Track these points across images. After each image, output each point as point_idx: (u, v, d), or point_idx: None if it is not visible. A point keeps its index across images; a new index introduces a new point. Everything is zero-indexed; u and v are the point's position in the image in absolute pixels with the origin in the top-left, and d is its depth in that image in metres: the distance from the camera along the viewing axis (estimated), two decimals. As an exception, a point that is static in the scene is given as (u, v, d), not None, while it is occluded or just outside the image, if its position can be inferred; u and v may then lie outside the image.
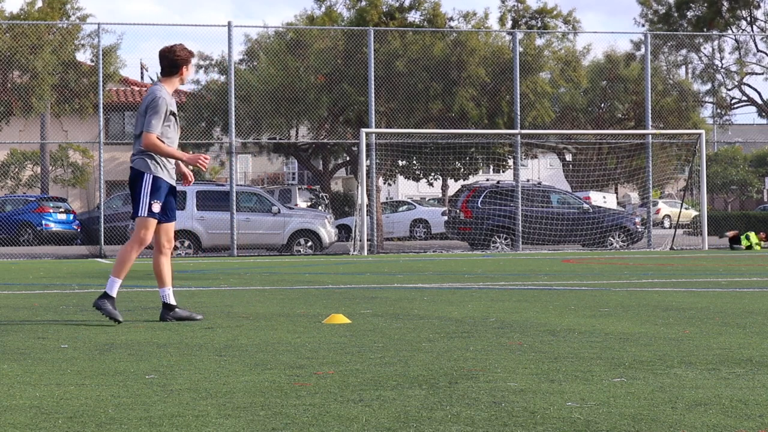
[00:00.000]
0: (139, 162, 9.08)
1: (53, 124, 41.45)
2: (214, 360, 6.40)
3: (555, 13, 37.32)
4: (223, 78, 37.66)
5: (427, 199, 50.63)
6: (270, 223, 28.76)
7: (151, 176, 9.02)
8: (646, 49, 32.66)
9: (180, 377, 5.68)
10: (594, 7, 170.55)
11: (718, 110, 44.79)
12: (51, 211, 36.26)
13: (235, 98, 29.50)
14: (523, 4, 37.43)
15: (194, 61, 9.18)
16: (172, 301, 9.07)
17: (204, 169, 9.47)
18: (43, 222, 35.90)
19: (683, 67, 43.84)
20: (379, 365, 6.08)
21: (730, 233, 30.50)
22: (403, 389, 5.21)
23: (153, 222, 9.04)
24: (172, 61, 9.10)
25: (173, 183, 9.20)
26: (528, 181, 32.73)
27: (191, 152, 46.70)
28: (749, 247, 29.44)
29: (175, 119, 9.12)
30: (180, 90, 50.49)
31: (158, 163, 9.05)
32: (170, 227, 9.26)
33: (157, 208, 9.02)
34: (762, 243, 30.14)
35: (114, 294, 8.83)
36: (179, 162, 9.32)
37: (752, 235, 30.02)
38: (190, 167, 9.56)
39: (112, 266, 9.01)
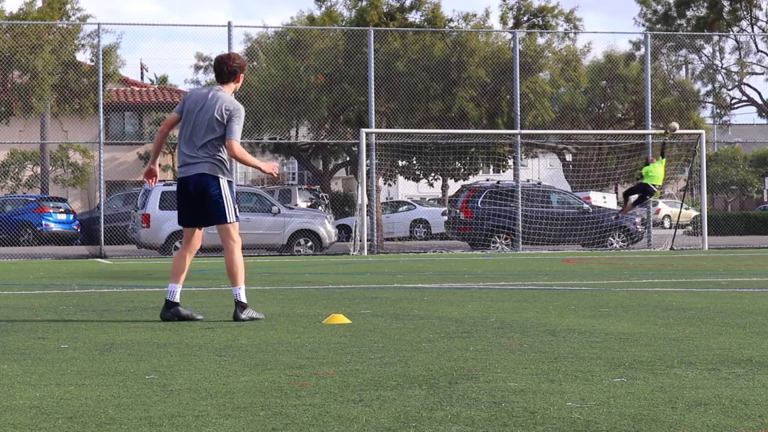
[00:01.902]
0: (212, 167, 9.15)
1: (53, 124, 41.44)
2: (214, 360, 6.40)
3: (556, 11, 37.29)
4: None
5: (427, 199, 50.64)
6: (270, 223, 28.76)
7: (227, 181, 9.23)
8: (646, 49, 32.66)
9: (180, 377, 5.68)
10: (594, 7, 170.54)
11: (718, 110, 44.79)
12: (51, 211, 36.27)
13: (235, 98, 29.49)
14: (525, 2, 37.40)
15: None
16: (177, 300, 9.10)
17: (277, 178, 9.69)
18: (43, 222, 35.91)
19: (683, 67, 43.85)
20: (379, 365, 6.08)
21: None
22: (403, 389, 5.21)
23: (238, 224, 9.36)
24: (232, 68, 9.33)
25: None
26: (528, 181, 32.73)
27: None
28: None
29: None
30: (180, 90, 50.54)
31: (227, 168, 9.25)
32: (201, 232, 9.41)
33: (238, 211, 9.33)
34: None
35: (245, 299, 9.07)
36: None
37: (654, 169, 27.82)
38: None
39: (229, 279, 9.16)
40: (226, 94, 9.31)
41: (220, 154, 9.15)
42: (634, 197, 27.36)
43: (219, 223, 9.22)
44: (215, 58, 9.42)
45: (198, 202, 9.19)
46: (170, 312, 9.02)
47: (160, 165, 9.94)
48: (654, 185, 26.71)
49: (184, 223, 9.34)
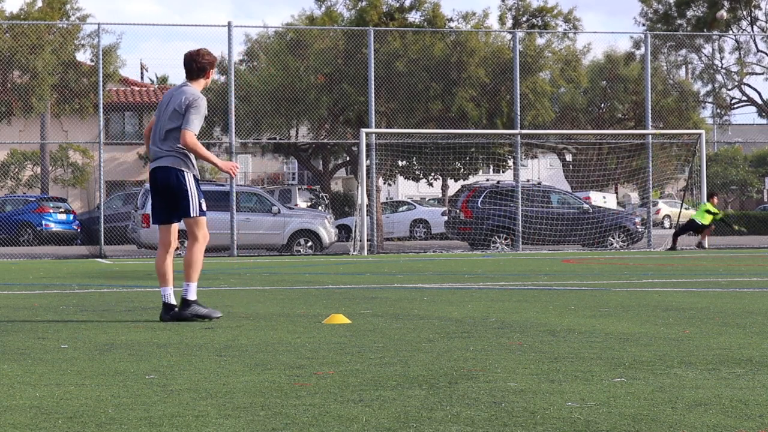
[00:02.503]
0: (174, 160, 9.08)
1: (53, 124, 41.44)
2: (214, 360, 6.40)
3: (555, 12, 37.30)
4: (223, 78, 37.65)
5: (427, 199, 50.63)
6: (270, 223, 28.76)
7: (192, 175, 9.12)
8: (646, 49, 32.66)
9: (180, 377, 5.68)
10: (594, 7, 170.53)
11: (718, 110, 44.79)
12: (51, 211, 36.27)
13: (235, 98, 29.51)
14: (524, 2, 37.41)
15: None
16: (173, 301, 9.08)
17: (234, 176, 9.54)
18: (43, 222, 35.91)
19: (683, 67, 43.86)
20: (379, 365, 6.08)
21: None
22: (403, 389, 5.21)
23: (205, 219, 9.21)
24: (201, 65, 9.24)
25: None
26: (528, 181, 32.73)
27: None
28: (714, 221, 29.16)
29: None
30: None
31: (192, 162, 9.14)
32: (176, 228, 9.34)
33: (204, 205, 9.19)
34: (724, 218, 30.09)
35: (195, 297, 9.00)
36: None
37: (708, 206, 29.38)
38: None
39: (184, 273, 9.08)
40: (191, 87, 9.20)
41: (182, 147, 9.04)
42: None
43: (184, 217, 9.17)
44: (185, 55, 9.32)
45: (166, 196, 9.13)
46: (169, 315, 9.02)
47: None
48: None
49: (158, 221, 9.26)
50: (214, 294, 12.69)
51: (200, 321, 8.89)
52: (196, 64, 9.24)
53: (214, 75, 9.40)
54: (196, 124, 9.01)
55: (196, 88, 9.25)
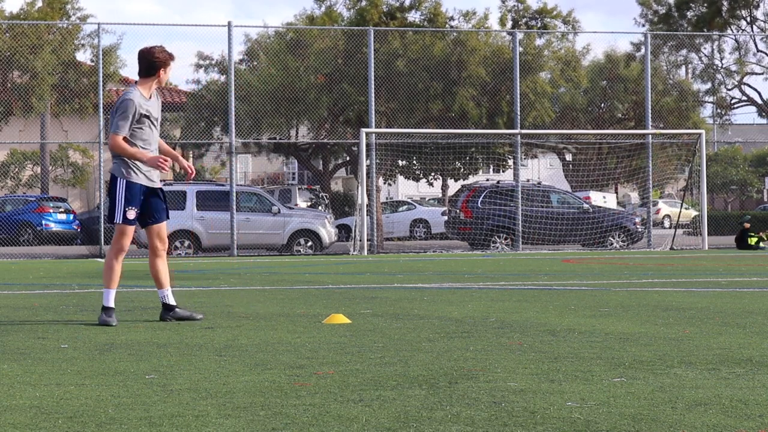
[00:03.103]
0: (114, 167, 9.02)
1: (53, 124, 41.44)
2: (214, 360, 6.40)
3: (555, 13, 37.31)
4: (223, 78, 37.65)
5: (427, 199, 50.62)
6: (270, 223, 28.76)
7: (125, 181, 8.98)
8: (646, 49, 32.67)
9: (180, 377, 5.68)
10: (594, 6, 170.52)
11: (718, 110, 44.79)
12: (51, 211, 36.25)
13: (235, 98, 29.51)
14: (524, 4, 37.43)
15: (173, 63, 9.13)
16: (172, 302, 9.08)
17: (165, 170, 9.43)
18: (43, 222, 35.89)
19: (683, 67, 43.86)
20: (379, 365, 6.08)
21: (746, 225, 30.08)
22: (403, 389, 5.21)
23: (129, 228, 9.09)
24: (150, 62, 8.98)
25: (151, 185, 9.12)
26: (528, 181, 32.73)
27: (192, 152, 46.72)
28: (758, 243, 29.41)
29: (150, 121, 9.00)
30: (180, 90, 50.52)
31: (132, 168, 8.97)
32: (161, 228, 9.28)
33: (132, 214, 9.03)
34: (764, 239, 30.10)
35: (112, 304, 8.83)
36: (178, 158, 9.35)
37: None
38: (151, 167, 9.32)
39: (102, 280, 9.03)
40: (129, 90, 9.01)
41: (114, 152, 9.00)
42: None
43: (110, 223, 9.17)
44: (138, 51, 9.04)
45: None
46: (169, 314, 9.02)
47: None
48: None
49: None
50: (214, 294, 12.69)
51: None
52: (145, 62, 8.99)
53: (168, 76, 9.11)
54: (121, 125, 8.84)
55: (144, 88, 8.99)
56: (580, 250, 29.58)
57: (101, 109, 28.57)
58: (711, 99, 44.52)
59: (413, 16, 36.43)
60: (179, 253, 27.38)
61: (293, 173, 63.79)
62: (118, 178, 8.97)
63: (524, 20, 37.33)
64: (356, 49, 32.79)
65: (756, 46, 43.89)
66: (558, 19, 37.53)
